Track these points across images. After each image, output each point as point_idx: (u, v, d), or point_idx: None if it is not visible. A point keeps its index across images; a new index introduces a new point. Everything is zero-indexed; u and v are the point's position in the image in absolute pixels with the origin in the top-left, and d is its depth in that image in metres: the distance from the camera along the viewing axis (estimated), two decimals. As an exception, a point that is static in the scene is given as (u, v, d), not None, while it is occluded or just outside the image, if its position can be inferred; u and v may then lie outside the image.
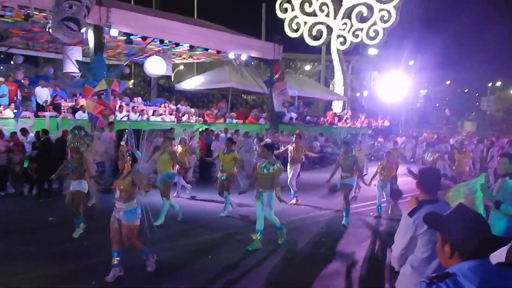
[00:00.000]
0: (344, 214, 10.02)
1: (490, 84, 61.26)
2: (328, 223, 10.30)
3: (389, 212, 11.22)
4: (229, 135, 17.68)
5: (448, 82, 59.36)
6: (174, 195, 12.47)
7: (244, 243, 8.02)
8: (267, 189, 7.90)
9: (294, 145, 12.85)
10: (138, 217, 6.23)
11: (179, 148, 11.70)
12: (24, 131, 13.26)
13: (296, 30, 33.81)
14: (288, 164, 12.57)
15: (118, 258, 6.23)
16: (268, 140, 18.44)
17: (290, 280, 6.58)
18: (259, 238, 7.94)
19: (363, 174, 14.57)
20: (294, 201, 12.22)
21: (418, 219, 3.63)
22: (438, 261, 3.42)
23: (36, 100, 16.93)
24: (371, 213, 11.11)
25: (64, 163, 8.93)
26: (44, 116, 15.15)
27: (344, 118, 29.74)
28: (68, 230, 8.35)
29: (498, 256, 2.90)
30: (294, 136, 14.27)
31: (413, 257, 3.74)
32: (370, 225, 10.31)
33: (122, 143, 6.37)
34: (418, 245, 3.73)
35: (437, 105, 61.34)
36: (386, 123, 32.56)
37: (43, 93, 17.15)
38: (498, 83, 60.78)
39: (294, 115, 25.54)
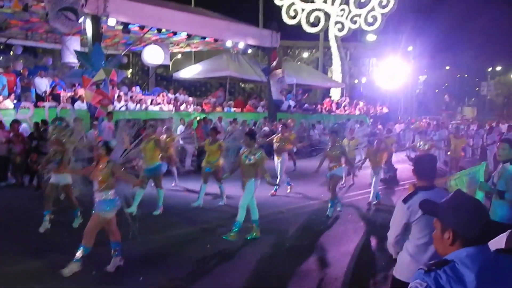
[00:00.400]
0: (329, 205, 9.85)
1: (490, 69, 61.00)
2: (322, 212, 10.10)
3: (372, 203, 10.83)
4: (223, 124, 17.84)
5: (447, 68, 59.29)
6: (173, 184, 12.57)
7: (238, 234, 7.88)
8: (251, 178, 7.80)
9: (280, 134, 12.64)
10: (112, 209, 6.11)
11: (163, 137, 11.49)
12: (14, 122, 13.05)
13: (294, 17, 33.70)
14: (274, 154, 12.46)
15: (117, 248, 6.27)
16: (266, 128, 18.64)
17: (281, 270, 6.56)
18: (257, 228, 7.94)
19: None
20: (288, 190, 12.17)
21: (412, 206, 3.65)
22: (434, 248, 3.54)
23: (35, 90, 16.99)
24: (373, 201, 10.83)
25: (47, 155, 8.61)
26: (43, 107, 15.24)
27: (342, 105, 29.77)
28: (68, 221, 8.43)
29: (497, 242, 2.96)
30: (280, 125, 14.26)
31: (409, 243, 3.76)
32: (364, 214, 10.26)
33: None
34: (412, 232, 3.75)
35: (436, 91, 61.34)
36: (385, 110, 32.58)
37: (42, 84, 17.20)
38: (498, 68, 60.53)
39: (292, 103, 25.58)
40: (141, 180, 6.22)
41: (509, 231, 3.05)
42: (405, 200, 3.75)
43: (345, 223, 9.30)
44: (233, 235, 7.68)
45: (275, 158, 12.40)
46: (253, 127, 17.78)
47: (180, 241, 7.82)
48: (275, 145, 12.43)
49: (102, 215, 6.05)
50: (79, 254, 6.02)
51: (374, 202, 10.83)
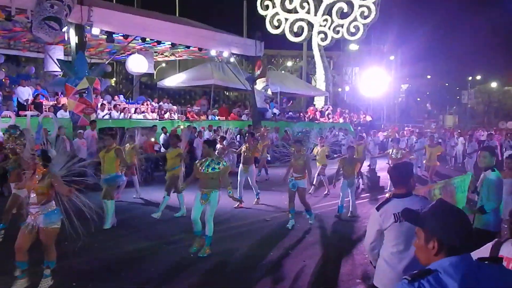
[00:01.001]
0: (308, 215, 9.62)
1: (470, 78, 61.95)
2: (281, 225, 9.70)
3: (348, 214, 10.47)
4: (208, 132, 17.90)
5: (428, 76, 60.02)
6: (134, 196, 12.28)
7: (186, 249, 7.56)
8: (214, 189, 7.35)
9: (247, 144, 12.20)
10: (59, 219, 5.80)
11: (127, 146, 11.02)
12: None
13: (278, 27, 33.94)
14: (241, 164, 11.98)
15: (23, 269, 5.80)
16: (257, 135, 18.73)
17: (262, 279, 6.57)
18: (208, 244, 7.40)
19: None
20: (255, 201, 11.70)
21: (384, 213, 3.68)
22: (411, 256, 3.52)
23: (17, 99, 16.89)
24: (349, 214, 10.47)
25: (2, 163, 8.41)
26: (25, 116, 15.14)
27: (326, 113, 30.00)
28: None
29: (483, 251, 3.02)
30: (246, 135, 13.90)
31: (384, 251, 3.76)
32: (331, 226, 9.89)
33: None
34: (386, 239, 3.75)
35: (418, 99, 62.08)
36: (368, 118, 32.90)
37: (24, 93, 17.12)
38: (478, 77, 61.52)
39: (276, 111, 25.73)
40: (70, 189, 5.73)
41: (495, 240, 3.09)
42: (378, 207, 3.77)
43: (332, 230, 9.39)
44: (206, 250, 7.32)
45: (241, 168, 11.89)
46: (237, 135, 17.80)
47: (131, 257, 7.34)
48: (242, 155, 12.00)
49: (52, 228, 5.74)
50: (47, 271, 5.83)
51: (350, 212, 10.48)
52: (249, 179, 11.81)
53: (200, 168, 7.41)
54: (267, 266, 7.03)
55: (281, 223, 9.64)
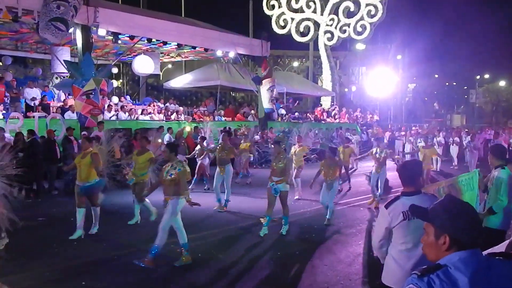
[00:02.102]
0: (283, 222, 8.86)
1: (478, 77, 61.49)
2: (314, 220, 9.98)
3: (325, 222, 9.62)
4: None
5: (436, 76, 59.65)
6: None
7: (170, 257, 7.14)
8: (174, 195, 6.87)
9: (221, 144, 11.55)
10: None
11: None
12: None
13: (284, 27, 33.90)
14: (217, 166, 11.12)
15: None
16: (257, 137, 18.65)
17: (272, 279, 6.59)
18: (186, 253, 6.94)
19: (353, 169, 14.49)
20: (217, 207, 10.83)
21: (393, 211, 3.66)
22: (419, 254, 3.47)
23: (25, 101, 16.95)
24: (328, 219, 9.67)
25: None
26: (33, 117, 15.18)
27: (333, 113, 29.93)
28: (56, 230, 8.37)
29: (499, 249, 2.96)
30: (222, 134, 13.28)
31: (393, 248, 3.75)
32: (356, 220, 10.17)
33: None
34: (394, 237, 3.74)
35: (426, 99, 61.70)
36: (376, 118, 32.78)
37: (32, 94, 17.16)
38: (486, 76, 61.00)
39: (283, 111, 25.68)
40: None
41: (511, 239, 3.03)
42: (387, 205, 3.77)
43: (337, 230, 9.32)
44: (148, 261, 6.66)
45: (218, 171, 11.06)
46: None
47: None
48: (217, 156, 11.17)
49: None
50: None
51: (327, 220, 9.66)
52: (224, 181, 10.97)
53: (162, 173, 7.11)
54: (271, 266, 7.00)
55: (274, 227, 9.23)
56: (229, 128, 18.33)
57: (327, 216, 9.66)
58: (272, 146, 9.69)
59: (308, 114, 28.51)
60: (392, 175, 14.67)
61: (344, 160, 13.24)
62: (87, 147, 8.56)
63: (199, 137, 14.06)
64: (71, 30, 14.43)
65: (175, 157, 7.10)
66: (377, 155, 11.58)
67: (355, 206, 11.38)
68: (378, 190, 11.48)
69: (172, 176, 6.83)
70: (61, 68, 17.42)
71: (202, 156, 13.11)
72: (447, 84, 62.55)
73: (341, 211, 10.73)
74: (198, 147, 13.19)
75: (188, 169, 7.15)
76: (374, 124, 24.58)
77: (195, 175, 13.27)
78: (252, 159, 13.97)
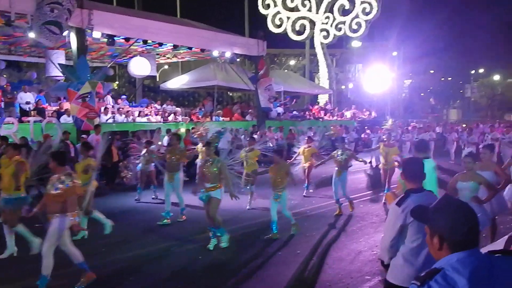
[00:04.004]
0: (219, 234, 7.84)
1: (473, 71, 61.81)
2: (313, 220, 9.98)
3: (266, 236, 8.50)
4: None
5: (431, 71, 59.85)
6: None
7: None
8: (57, 214, 5.85)
9: (171, 147, 10.47)
10: None
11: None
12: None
13: (279, 26, 33.88)
14: (166, 173, 10.18)
15: None
16: (256, 136, 18.55)
17: (274, 277, 6.59)
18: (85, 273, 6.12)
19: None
20: (164, 221, 9.70)
21: (407, 208, 3.62)
22: (428, 251, 3.51)
23: (19, 105, 16.83)
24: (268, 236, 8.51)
25: None
26: (28, 122, 15.07)
27: (330, 111, 29.92)
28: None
29: (498, 245, 2.94)
30: (169, 136, 12.29)
31: (404, 247, 3.74)
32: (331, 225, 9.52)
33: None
34: (408, 234, 3.73)
35: (422, 94, 61.91)
36: (374, 114, 32.77)
37: (26, 98, 17.06)
38: (481, 70, 61.37)
39: (280, 110, 25.62)
40: None
41: (510, 233, 3.03)
42: (399, 203, 3.75)
43: (338, 228, 9.26)
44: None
45: (166, 177, 10.10)
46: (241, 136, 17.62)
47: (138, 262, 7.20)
48: (166, 161, 10.18)
49: None
50: None
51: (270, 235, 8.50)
52: (175, 191, 10.01)
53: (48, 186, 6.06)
54: (272, 265, 6.98)
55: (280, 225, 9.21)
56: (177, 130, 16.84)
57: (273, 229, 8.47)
58: (204, 148, 8.40)
59: (306, 112, 28.45)
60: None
61: (306, 161, 12.22)
62: (12, 155, 7.56)
63: (145, 140, 12.68)
64: (65, 33, 14.31)
65: (62, 168, 5.99)
66: (339, 158, 10.53)
67: (355, 203, 11.25)
68: (342, 195, 10.46)
69: (58, 191, 5.82)
70: (55, 72, 17.30)
71: (149, 162, 12.12)
72: (442, 79, 62.77)
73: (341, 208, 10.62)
74: (144, 151, 12.13)
75: (78, 183, 6.13)
76: (333, 124, 21.56)
77: (139, 184, 12.41)
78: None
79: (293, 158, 12.64)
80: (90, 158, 8.60)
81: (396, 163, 11.55)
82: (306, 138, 12.79)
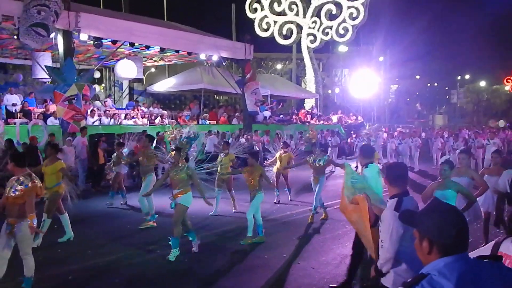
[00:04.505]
0: (170, 243, 7.41)
1: (459, 77, 62.43)
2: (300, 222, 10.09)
3: (241, 242, 8.32)
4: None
5: (418, 77, 60.33)
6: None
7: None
8: (17, 218, 5.64)
9: (142, 150, 10.31)
10: None
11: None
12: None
13: (266, 30, 33.99)
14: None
15: None
16: (242, 140, 18.59)
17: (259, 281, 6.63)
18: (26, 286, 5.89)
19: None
20: (150, 223, 9.60)
21: None
22: None
23: (5, 107, 16.72)
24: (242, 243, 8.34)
25: None
26: (14, 124, 14.98)
27: (316, 115, 30.04)
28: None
29: (485, 250, 2.97)
30: (140, 137, 12.32)
31: (405, 253, 3.62)
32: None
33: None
34: (406, 238, 3.58)
35: (408, 99, 62.39)
36: (360, 119, 32.96)
37: (12, 100, 16.95)
38: (467, 76, 62.01)
39: (267, 113, 25.69)
40: None
41: (496, 239, 3.05)
42: (396, 209, 3.64)
43: (323, 232, 9.32)
44: None
45: (144, 183, 9.94)
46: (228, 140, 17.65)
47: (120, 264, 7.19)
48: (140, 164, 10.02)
49: None
50: None
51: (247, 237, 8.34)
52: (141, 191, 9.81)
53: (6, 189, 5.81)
54: (257, 269, 7.01)
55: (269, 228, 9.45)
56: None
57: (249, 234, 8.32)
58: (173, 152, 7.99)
59: (293, 116, 28.53)
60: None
61: (282, 166, 11.89)
62: None
63: (116, 142, 12.70)
64: (52, 35, 14.27)
65: (21, 170, 5.76)
66: (316, 164, 10.14)
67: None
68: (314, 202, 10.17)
69: (17, 194, 5.59)
70: (42, 74, 17.21)
71: (119, 165, 11.86)
72: (428, 85, 63.27)
73: (327, 212, 10.67)
74: (114, 154, 11.97)
75: (39, 184, 5.84)
76: (310, 127, 20.89)
77: (112, 188, 12.17)
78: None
79: (268, 162, 12.42)
80: (60, 161, 8.38)
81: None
82: (282, 144, 12.59)
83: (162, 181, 8.36)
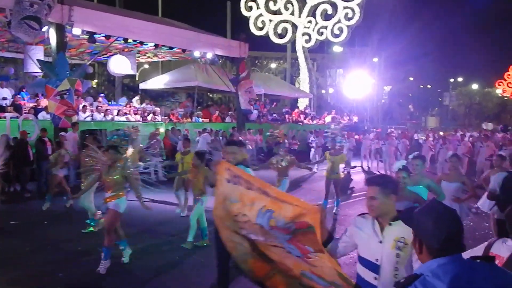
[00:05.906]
0: (103, 254, 6.65)
1: (452, 80, 62.86)
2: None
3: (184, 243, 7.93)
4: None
5: (411, 78, 60.58)
6: None
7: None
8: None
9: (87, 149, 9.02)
10: None
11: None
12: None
13: (261, 28, 33.95)
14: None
15: None
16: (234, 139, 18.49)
17: None
18: None
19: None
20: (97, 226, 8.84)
21: None
22: None
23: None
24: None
25: None
26: (4, 117, 14.80)
27: (309, 115, 30.03)
28: (30, 234, 8.15)
29: (477, 251, 2.95)
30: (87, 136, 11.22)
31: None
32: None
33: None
34: None
35: (401, 101, 62.57)
36: (355, 119, 32.98)
37: (3, 94, 16.75)
38: (460, 79, 62.46)
39: (256, 111, 25.57)
40: None
41: (488, 240, 3.07)
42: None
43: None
44: None
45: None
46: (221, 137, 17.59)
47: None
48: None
49: None
50: None
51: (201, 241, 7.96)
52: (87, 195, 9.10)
53: None
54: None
55: None
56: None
57: (189, 239, 7.82)
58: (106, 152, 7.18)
59: (287, 115, 28.48)
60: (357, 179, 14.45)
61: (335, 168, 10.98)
62: None
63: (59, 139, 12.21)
64: (44, 28, 14.08)
65: None
66: (279, 165, 9.80)
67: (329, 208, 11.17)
68: None
69: None
70: (34, 68, 17.02)
71: (56, 167, 10.99)
72: (421, 87, 63.57)
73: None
74: (55, 153, 11.26)
75: None
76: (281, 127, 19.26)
77: (49, 190, 11.25)
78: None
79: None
80: None
81: (342, 174, 10.79)
82: (329, 142, 11.91)
83: (93, 182, 7.58)
